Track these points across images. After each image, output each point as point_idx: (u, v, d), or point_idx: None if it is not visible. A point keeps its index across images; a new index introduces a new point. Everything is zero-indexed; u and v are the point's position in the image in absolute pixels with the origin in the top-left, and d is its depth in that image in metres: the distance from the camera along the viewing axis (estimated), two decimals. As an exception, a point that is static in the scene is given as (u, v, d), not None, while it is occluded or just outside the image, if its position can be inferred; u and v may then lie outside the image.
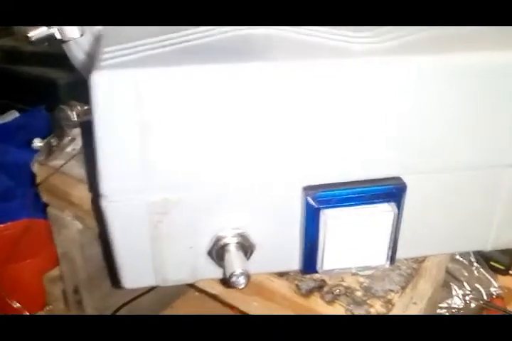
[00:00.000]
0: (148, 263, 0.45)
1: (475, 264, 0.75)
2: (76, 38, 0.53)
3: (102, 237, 0.64)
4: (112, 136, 0.39)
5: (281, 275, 0.50)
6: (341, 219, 0.44)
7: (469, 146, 0.45)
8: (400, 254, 0.48)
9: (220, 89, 0.39)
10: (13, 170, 0.89)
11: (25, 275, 0.85)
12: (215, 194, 0.43)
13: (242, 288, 0.42)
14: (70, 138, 0.70)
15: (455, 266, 0.74)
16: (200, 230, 0.45)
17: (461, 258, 0.74)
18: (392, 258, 0.47)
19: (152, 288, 0.67)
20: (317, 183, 0.44)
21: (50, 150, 0.70)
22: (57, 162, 0.69)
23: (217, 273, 0.47)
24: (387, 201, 0.45)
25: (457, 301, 0.73)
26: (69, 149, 0.70)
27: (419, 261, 0.52)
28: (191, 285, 0.52)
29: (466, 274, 0.74)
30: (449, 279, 0.73)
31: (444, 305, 0.73)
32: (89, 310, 0.77)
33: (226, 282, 0.43)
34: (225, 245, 0.45)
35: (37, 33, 0.51)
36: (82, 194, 0.64)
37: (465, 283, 0.74)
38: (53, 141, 0.70)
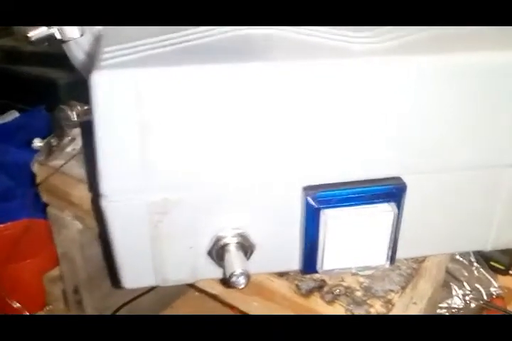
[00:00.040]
0: (148, 263, 0.45)
1: (475, 264, 0.75)
2: (76, 38, 0.53)
3: (102, 237, 0.64)
4: (112, 136, 0.39)
5: (281, 275, 0.50)
6: (341, 219, 0.44)
7: (469, 146, 0.45)
8: (400, 254, 0.48)
9: (220, 89, 0.39)
10: (13, 170, 0.89)
11: (25, 275, 0.85)
12: (215, 194, 0.43)
13: (242, 288, 0.42)
14: (70, 138, 0.70)
15: (455, 266, 0.74)
16: (200, 230, 0.45)
17: (461, 258, 0.74)
18: (392, 258, 0.47)
19: (152, 288, 0.67)
20: (317, 183, 0.44)
21: (50, 150, 0.70)
22: (57, 162, 0.69)
23: (217, 273, 0.47)
24: (387, 201, 0.45)
25: (457, 301, 0.73)
26: (69, 149, 0.70)
27: (419, 261, 0.52)
28: (191, 285, 0.52)
29: (466, 274, 0.74)
30: (449, 279, 0.73)
31: (444, 305, 0.73)
32: (89, 310, 0.77)
33: (226, 282, 0.43)
34: (225, 245, 0.45)
35: (37, 33, 0.51)
36: (82, 194, 0.64)
37: (465, 283, 0.74)
38: (53, 141, 0.70)
